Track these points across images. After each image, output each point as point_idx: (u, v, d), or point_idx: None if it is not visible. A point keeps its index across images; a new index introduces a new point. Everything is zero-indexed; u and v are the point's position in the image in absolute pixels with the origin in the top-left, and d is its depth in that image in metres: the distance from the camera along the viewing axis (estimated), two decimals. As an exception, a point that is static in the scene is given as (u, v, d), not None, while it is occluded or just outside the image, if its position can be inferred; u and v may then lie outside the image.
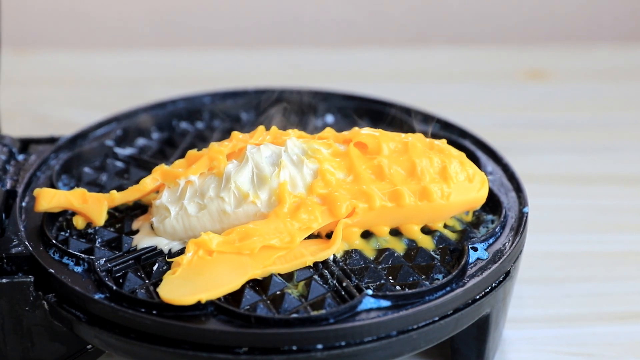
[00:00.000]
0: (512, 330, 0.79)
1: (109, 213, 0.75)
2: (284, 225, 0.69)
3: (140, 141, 0.88)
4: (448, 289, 0.67)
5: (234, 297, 0.66)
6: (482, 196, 0.74)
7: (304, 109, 0.91)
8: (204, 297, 0.64)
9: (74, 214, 0.74)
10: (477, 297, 0.68)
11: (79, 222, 0.74)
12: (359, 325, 0.64)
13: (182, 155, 0.78)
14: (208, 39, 1.39)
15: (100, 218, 0.73)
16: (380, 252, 0.71)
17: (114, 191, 0.74)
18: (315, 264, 0.69)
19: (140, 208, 0.76)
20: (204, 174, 0.73)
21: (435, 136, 0.81)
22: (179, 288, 0.65)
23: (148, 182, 0.74)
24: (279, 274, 0.68)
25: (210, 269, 0.66)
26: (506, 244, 0.72)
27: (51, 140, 0.85)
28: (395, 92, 1.06)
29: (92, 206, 0.73)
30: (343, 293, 0.67)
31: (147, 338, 0.64)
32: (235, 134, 0.76)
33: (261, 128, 0.77)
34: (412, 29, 1.43)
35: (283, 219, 0.69)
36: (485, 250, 0.71)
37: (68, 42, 1.39)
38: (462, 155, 0.75)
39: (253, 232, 0.68)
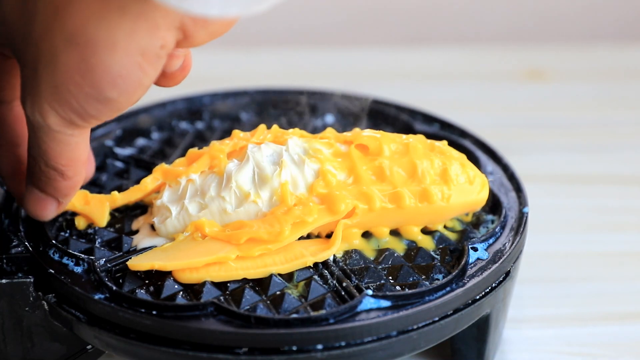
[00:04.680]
0: (512, 330, 0.79)
1: (109, 213, 0.75)
2: (277, 219, 0.69)
3: (140, 141, 0.88)
4: (448, 289, 0.67)
5: (234, 297, 0.66)
6: (482, 198, 0.74)
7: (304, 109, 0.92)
8: (156, 265, 0.67)
9: (74, 214, 0.74)
10: (477, 297, 0.68)
11: (80, 223, 0.74)
12: (359, 325, 0.64)
13: (182, 156, 0.78)
14: (208, 39, 1.39)
15: (102, 219, 0.74)
16: (380, 252, 0.71)
17: (115, 192, 0.75)
18: (315, 264, 0.69)
19: (140, 208, 0.76)
20: (205, 172, 0.73)
21: (435, 136, 0.81)
22: (148, 258, 0.68)
23: (149, 182, 0.74)
24: (279, 274, 0.68)
25: (189, 247, 0.68)
26: (506, 244, 0.72)
27: (51, 140, 0.85)
28: (395, 92, 1.06)
29: (94, 207, 0.73)
30: (343, 293, 0.67)
31: (147, 338, 0.64)
32: (236, 132, 0.76)
33: (262, 127, 0.77)
34: (412, 29, 1.42)
35: (278, 216, 0.69)
36: (485, 250, 0.71)
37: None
38: (463, 157, 0.75)
39: (246, 224, 0.69)
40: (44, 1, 0.58)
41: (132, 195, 0.75)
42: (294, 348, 0.63)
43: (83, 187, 0.78)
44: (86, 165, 0.66)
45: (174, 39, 0.60)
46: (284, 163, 0.71)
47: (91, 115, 0.60)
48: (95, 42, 0.57)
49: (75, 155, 0.63)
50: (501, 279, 0.70)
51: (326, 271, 0.69)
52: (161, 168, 0.74)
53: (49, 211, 0.67)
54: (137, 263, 0.68)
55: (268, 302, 0.66)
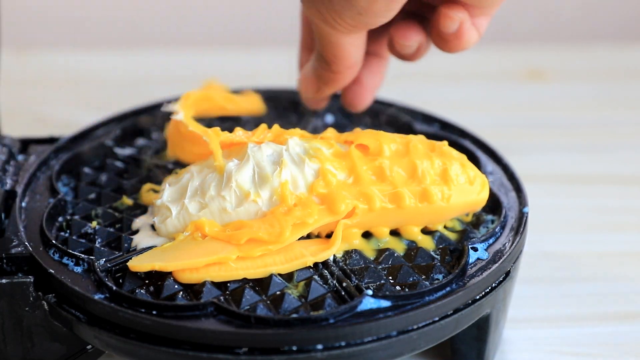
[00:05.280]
0: (512, 330, 0.79)
1: (109, 213, 0.75)
2: (278, 220, 0.69)
3: (140, 141, 0.88)
4: (448, 289, 0.67)
5: (234, 297, 0.66)
6: (482, 199, 0.74)
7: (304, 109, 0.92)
8: (157, 266, 0.67)
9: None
10: (477, 297, 0.68)
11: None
12: (359, 325, 0.64)
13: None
14: (208, 39, 1.39)
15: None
16: (380, 252, 0.71)
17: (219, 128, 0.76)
18: (315, 264, 0.69)
19: (140, 208, 0.76)
20: (200, 165, 0.73)
21: (435, 137, 0.82)
22: (149, 258, 0.68)
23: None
24: (279, 274, 0.68)
25: (189, 247, 0.68)
26: (506, 244, 0.72)
27: (51, 140, 0.85)
28: (395, 92, 1.06)
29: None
30: (343, 293, 0.67)
31: (147, 338, 0.64)
32: (237, 129, 0.76)
33: (263, 126, 0.76)
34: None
35: (279, 216, 0.69)
36: (485, 250, 0.71)
37: (68, 42, 1.39)
38: (463, 157, 0.75)
39: (246, 224, 0.69)
40: None
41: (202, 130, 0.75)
42: (294, 348, 0.63)
43: (82, 186, 0.79)
44: (354, 71, 0.76)
45: None
46: (284, 162, 0.71)
47: (337, 11, 0.68)
48: None
49: (340, 54, 0.74)
50: (501, 279, 0.70)
51: (326, 271, 0.69)
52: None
53: (310, 90, 0.80)
54: (137, 264, 0.68)
55: (268, 302, 0.66)
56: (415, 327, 0.65)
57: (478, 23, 0.72)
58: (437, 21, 0.72)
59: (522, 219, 0.74)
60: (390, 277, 0.69)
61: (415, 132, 0.83)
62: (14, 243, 0.70)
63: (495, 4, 0.70)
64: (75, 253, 0.69)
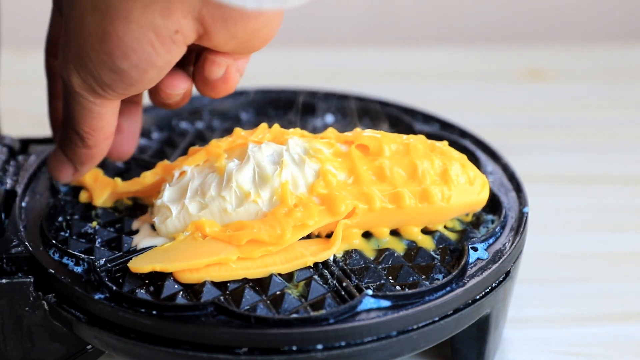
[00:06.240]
0: (512, 330, 0.79)
1: (109, 213, 0.75)
2: (279, 221, 0.69)
3: (140, 141, 0.87)
4: (448, 289, 0.67)
5: (234, 297, 0.66)
6: (482, 199, 0.74)
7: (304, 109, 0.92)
8: (157, 267, 0.67)
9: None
10: (477, 297, 0.68)
11: (83, 197, 0.76)
12: (359, 325, 0.64)
13: (183, 155, 0.78)
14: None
15: (100, 198, 0.76)
16: (380, 252, 0.71)
17: (119, 178, 0.76)
18: (315, 264, 0.69)
19: (140, 208, 0.76)
20: (201, 167, 0.73)
21: (435, 136, 0.81)
22: (149, 259, 0.68)
23: (148, 175, 0.75)
24: (279, 274, 0.68)
25: (190, 247, 0.68)
26: (506, 244, 0.72)
27: (51, 140, 0.85)
28: (395, 92, 1.06)
29: (98, 186, 0.76)
30: (343, 293, 0.67)
31: (147, 338, 0.64)
32: (237, 130, 0.76)
33: (263, 126, 0.76)
34: (412, 29, 1.43)
35: (280, 217, 0.69)
36: (486, 250, 0.71)
37: (68, 42, 1.38)
38: (464, 157, 0.75)
39: (246, 225, 0.69)
40: None
41: (131, 185, 0.76)
42: (294, 348, 0.63)
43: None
44: (110, 140, 0.69)
45: (192, 29, 0.61)
46: (285, 163, 0.71)
47: (106, 84, 0.62)
48: (113, 10, 0.59)
49: (98, 125, 0.66)
50: (501, 279, 0.70)
51: (326, 271, 0.69)
52: (162, 164, 0.75)
53: (64, 175, 0.71)
54: (138, 265, 0.68)
55: (268, 302, 0.66)
56: (415, 327, 0.65)
57: (240, 65, 0.68)
58: (202, 67, 0.66)
59: (522, 219, 0.74)
60: (390, 277, 0.69)
61: (415, 132, 0.83)
62: (14, 243, 0.70)
63: (257, 49, 0.66)
64: (75, 253, 0.69)
